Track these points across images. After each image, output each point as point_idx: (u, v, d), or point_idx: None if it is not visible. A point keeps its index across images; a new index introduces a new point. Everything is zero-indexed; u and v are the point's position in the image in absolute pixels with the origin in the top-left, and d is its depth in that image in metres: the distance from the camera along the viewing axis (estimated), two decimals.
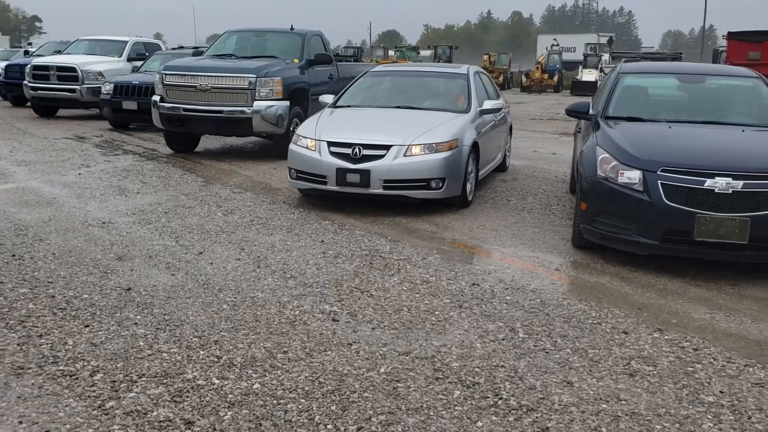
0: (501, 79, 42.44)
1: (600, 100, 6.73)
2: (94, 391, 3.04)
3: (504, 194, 8.02)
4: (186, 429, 2.74)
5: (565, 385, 3.26)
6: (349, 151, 6.63)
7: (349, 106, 7.94)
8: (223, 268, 4.87)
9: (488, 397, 3.11)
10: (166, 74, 10.13)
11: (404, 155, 6.56)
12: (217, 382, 3.14)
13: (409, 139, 6.65)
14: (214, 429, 2.75)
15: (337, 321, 3.94)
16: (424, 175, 6.61)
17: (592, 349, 3.68)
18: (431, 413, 2.95)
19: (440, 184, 6.63)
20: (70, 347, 3.49)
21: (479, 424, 2.89)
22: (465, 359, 3.50)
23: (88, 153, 10.47)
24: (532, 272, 5.03)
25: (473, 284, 4.69)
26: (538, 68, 39.30)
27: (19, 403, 2.93)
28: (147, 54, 16.43)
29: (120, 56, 16.49)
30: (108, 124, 14.00)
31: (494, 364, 3.46)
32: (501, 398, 3.11)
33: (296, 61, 10.70)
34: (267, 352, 3.47)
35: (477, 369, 3.40)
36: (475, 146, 7.22)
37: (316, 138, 6.89)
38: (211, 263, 4.98)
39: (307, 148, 6.92)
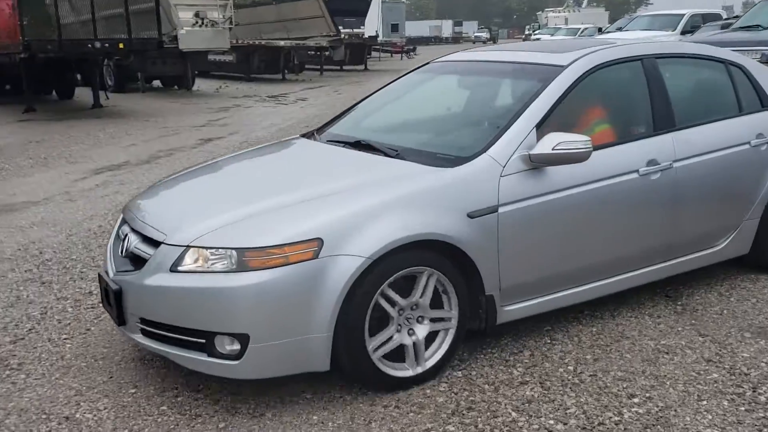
0: None
1: None
2: None
3: None
4: None
5: None
6: (122, 242, 3.52)
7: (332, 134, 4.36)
8: None
9: (741, 387, 3.18)
10: None
11: (172, 268, 3.05)
12: None
13: (195, 229, 3.12)
14: None
15: (670, 297, 4.25)
16: (201, 322, 2.99)
17: None
18: (666, 381, 3.25)
19: (237, 349, 2.96)
20: None
21: (703, 402, 3.07)
22: (761, 353, 3.50)
23: None
24: None
25: None
26: None
27: None
28: (701, 26, 16.41)
29: (674, 29, 16.88)
30: None
31: None
32: (754, 391, 3.14)
33: None
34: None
35: (763, 364, 3.39)
36: (445, 253, 3.21)
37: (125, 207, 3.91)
38: None
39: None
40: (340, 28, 27.57)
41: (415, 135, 4.26)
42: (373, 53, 36.42)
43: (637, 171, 3.77)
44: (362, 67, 30.80)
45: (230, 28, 18.75)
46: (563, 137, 3.39)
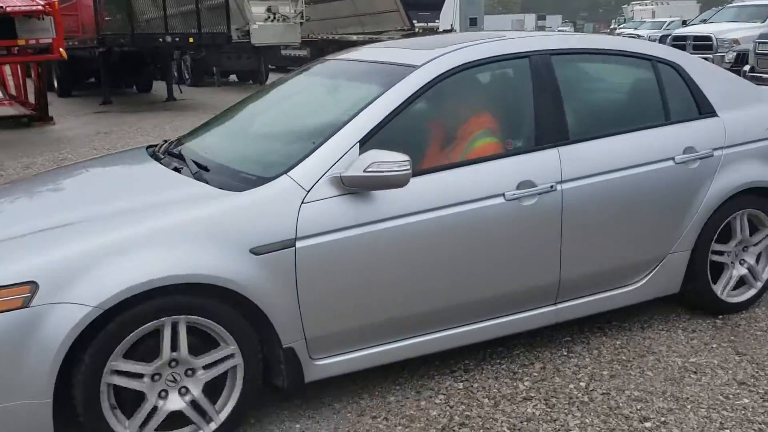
0: None
1: None
2: None
3: None
4: None
5: None
6: None
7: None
8: None
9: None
10: (760, 43, 9.75)
11: None
12: None
13: None
14: None
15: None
16: None
17: None
18: (687, 404, 2.94)
19: None
20: None
21: (726, 431, 2.76)
22: None
23: None
24: None
25: None
26: None
27: None
28: None
29: (763, 21, 15.86)
30: None
31: None
32: None
33: None
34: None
35: None
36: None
37: None
38: None
39: None
40: (415, 22, 27.32)
41: (245, 148, 3.48)
42: None
43: (502, 195, 3.01)
44: None
45: (301, 23, 18.87)
46: (377, 156, 2.70)
